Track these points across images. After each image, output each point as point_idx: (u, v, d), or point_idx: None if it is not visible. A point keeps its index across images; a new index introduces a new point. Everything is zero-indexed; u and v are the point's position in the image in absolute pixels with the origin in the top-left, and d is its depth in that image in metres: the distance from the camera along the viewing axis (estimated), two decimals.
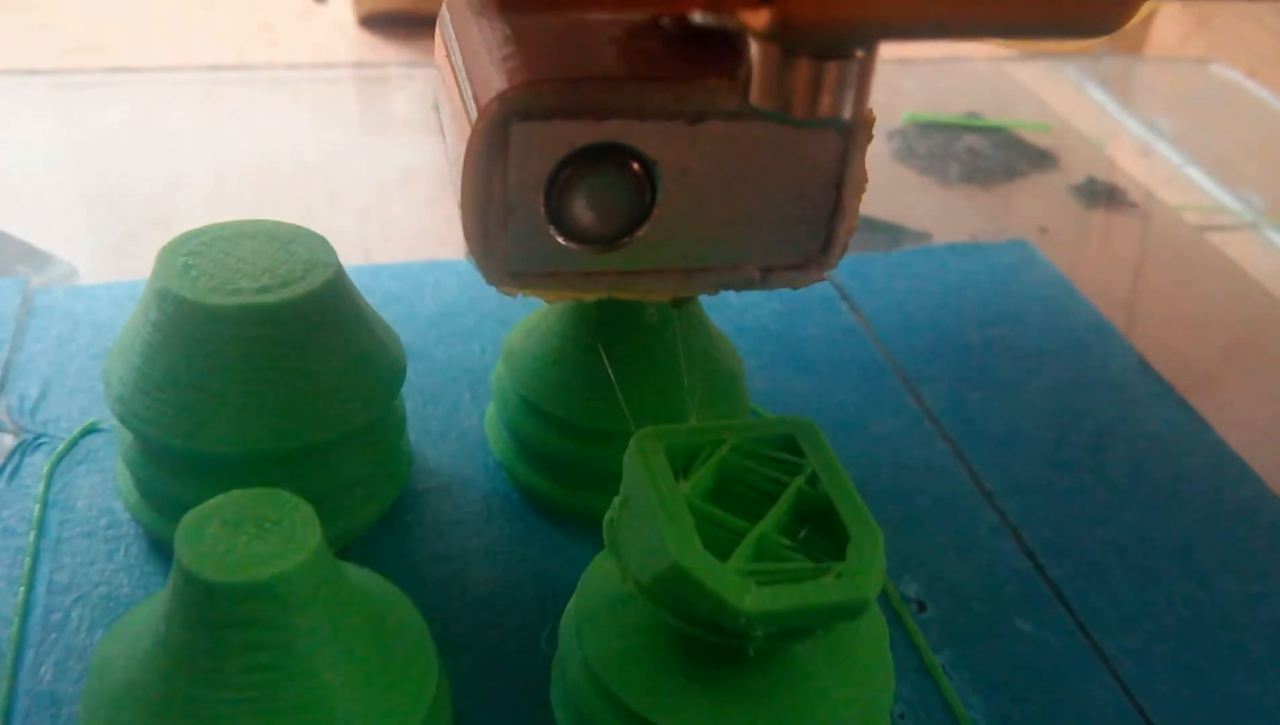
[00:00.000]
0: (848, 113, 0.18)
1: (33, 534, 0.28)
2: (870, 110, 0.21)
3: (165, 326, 0.25)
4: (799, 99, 0.18)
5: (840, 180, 0.22)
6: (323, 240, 0.27)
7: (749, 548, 0.21)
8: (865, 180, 0.22)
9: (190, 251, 0.26)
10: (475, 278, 0.39)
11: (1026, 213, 0.46)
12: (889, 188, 0.46)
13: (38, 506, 0.28)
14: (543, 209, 0.21)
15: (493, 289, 0.38)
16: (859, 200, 0.22)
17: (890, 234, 0.43)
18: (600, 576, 0.24)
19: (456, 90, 0.22)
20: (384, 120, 0.51)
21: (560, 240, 0.21)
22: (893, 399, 0.34)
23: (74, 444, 0.30)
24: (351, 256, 0.28)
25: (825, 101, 0.18)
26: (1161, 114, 0.54)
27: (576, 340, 0.28)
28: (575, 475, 0.29)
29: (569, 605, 0.24)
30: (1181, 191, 0.48)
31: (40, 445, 0.30)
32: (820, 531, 0.21)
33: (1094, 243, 0.45)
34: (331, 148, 0.47)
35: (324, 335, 0.26)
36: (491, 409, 0.31)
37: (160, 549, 0.28)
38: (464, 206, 0.21)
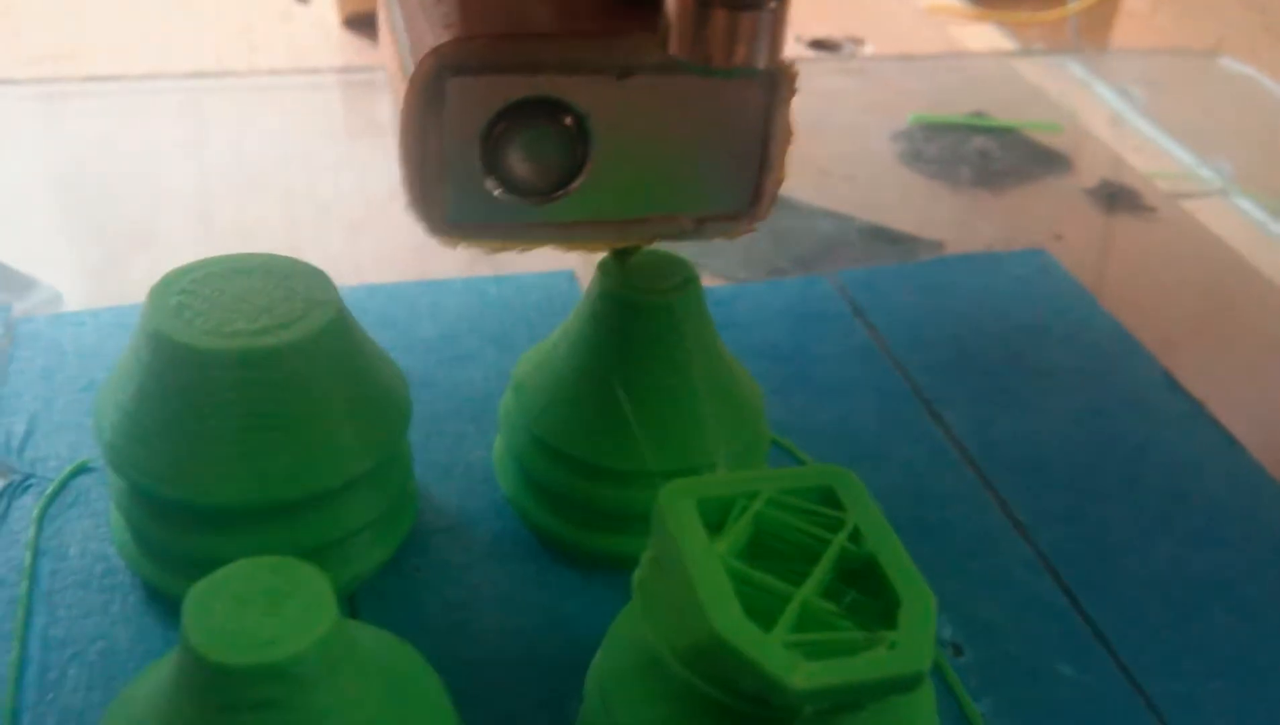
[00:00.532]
0: (763, 61, 0.20)
1: (25, 584, 0.26)
2: (793, 65, 0.22)
3: (158, 370, 0.24)
4: (717, 48, 0.19)
5: (766, 134, 0.23)
6: (322, 275, 0.26)
7: (793, 616, 0.19)
8: (791, 134, 0.23)
9: (183, 290, 0.25)
10: (476, 297, 0.38)
11: (1041, 218, 0.45)
12: (899, 193, 0.45)
13: (29, 554, 0.27)
14: (480, 162, 0.22)
15: (495, 311, 0.37)
16: (785, 153, 0.23)
17: (903, 244, 0.42)
18: (627, 635, 0.23)
19: (395, 52, 0.23)
20: (372, 126, 0.49)
21: (497, 193, 0.22)
22: (913, 423, 0.33)
23: (64, 485, 0.29)
24: (344, 276, 0.27)
25: (741, 51, 0.19)
26: (1171, 109, 0.53)
27: (590, 374, 0.27)
28: (591, 516, 0.28)
29: (594, 664, 0.23)
30: (1200, 194, 0.47)
31: (29, 487, 0.29)
32: (866, 592, 0.20)
33: (1111, 249, 0.44)
34: (320, 158, 0.46)
35: (326, 378, 0.25)
36: (499, 444, 0.30)
37: (158, 598, 0.26)
38: (403, 160, 0.21)
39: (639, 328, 0.26)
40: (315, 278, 0.26)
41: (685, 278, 0.26)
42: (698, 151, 0.23)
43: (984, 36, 0.60)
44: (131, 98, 0.48)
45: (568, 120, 0.22)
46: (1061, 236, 0.43)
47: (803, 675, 0.18)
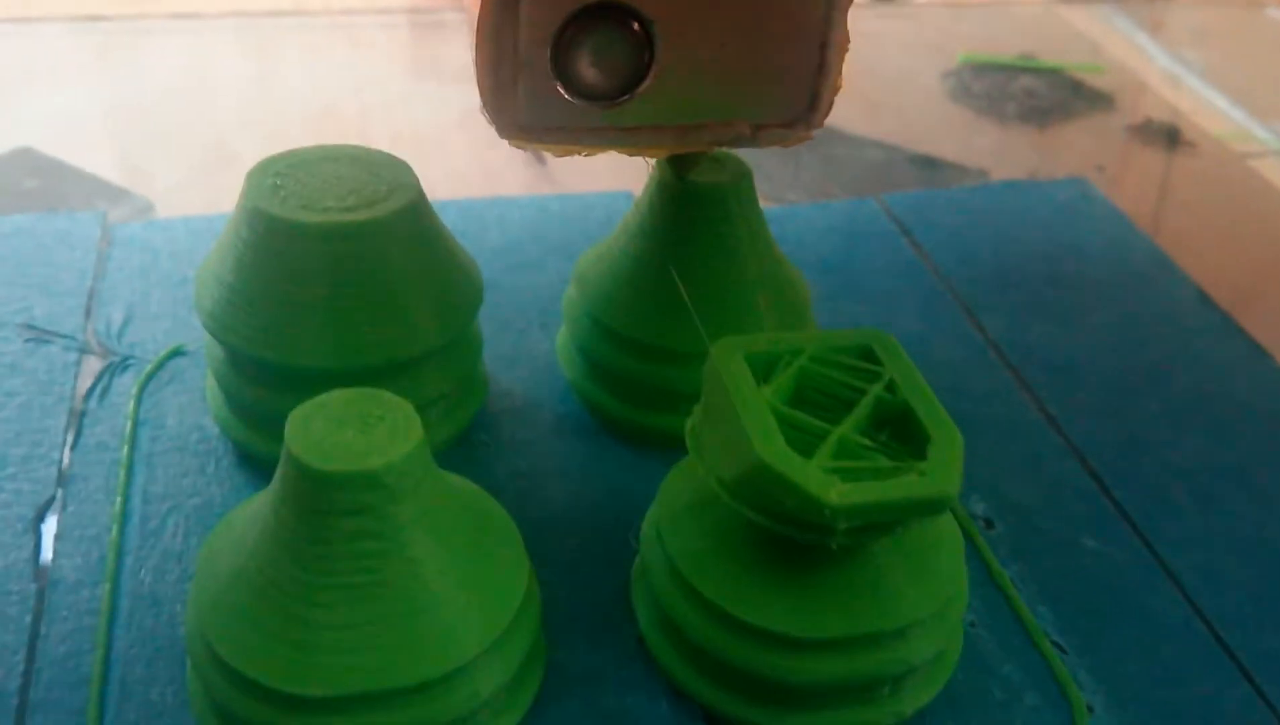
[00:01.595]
0: None
1: (126, 448, 0.29)
2: None
3: (256, 244, 0.26)
4: None
5: (824, 41, 0.24)
6: (404, 164, 0.28)
7: (831, 447, 0.21)
8: (848, 41, 0.24)
9: (278, 173, 0.27)
10: (539, 212, 0.40)
11: (1083, 152, 0.46)
12: (946, 126, 0.47)
13: (129, 423, 0.29)
14: (550, 66, 0.23)
15: (557, 225, 0.39)
16: (842, 60, 0.24)
17: (948, 171, 0.44)
18: (680, 483, 0.25)
19: None
20: (440, 66, 0.51)
21: (566, 96, 0.23)
22: (955, 328, 0.35)
23: (161, 365, 0.31)
24: None
25: None
26: (1215, 57, 0.54)
27: (648, 262, 0.29)
28: (647, 395, 0.30)
29: (650, 511, 0.25)
30: (1238, 133, 0.48)
31: (128, 367, 0.31)
32: (899, 436, 0.22)
33: (1152, 181, 0.45)
34: (391, 92, 0.48)
35: (408, 254, 0.27)
36: (563, 333, 0.32)
37: (250, 462, 0.28)
38: (479, 63, 0.22)
39: (695, 215, 0.28)
40: (398, 165, 0.28)
41: (740, 170, 0.28)
42: (759, 59, 0.23)
43: None
44: (213, 34, 0.50)
45: (635, 26, 0.23)
46: (1103, 168, 0.45)
47: (838, 493, 0.20)
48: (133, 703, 0.23)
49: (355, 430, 0.21)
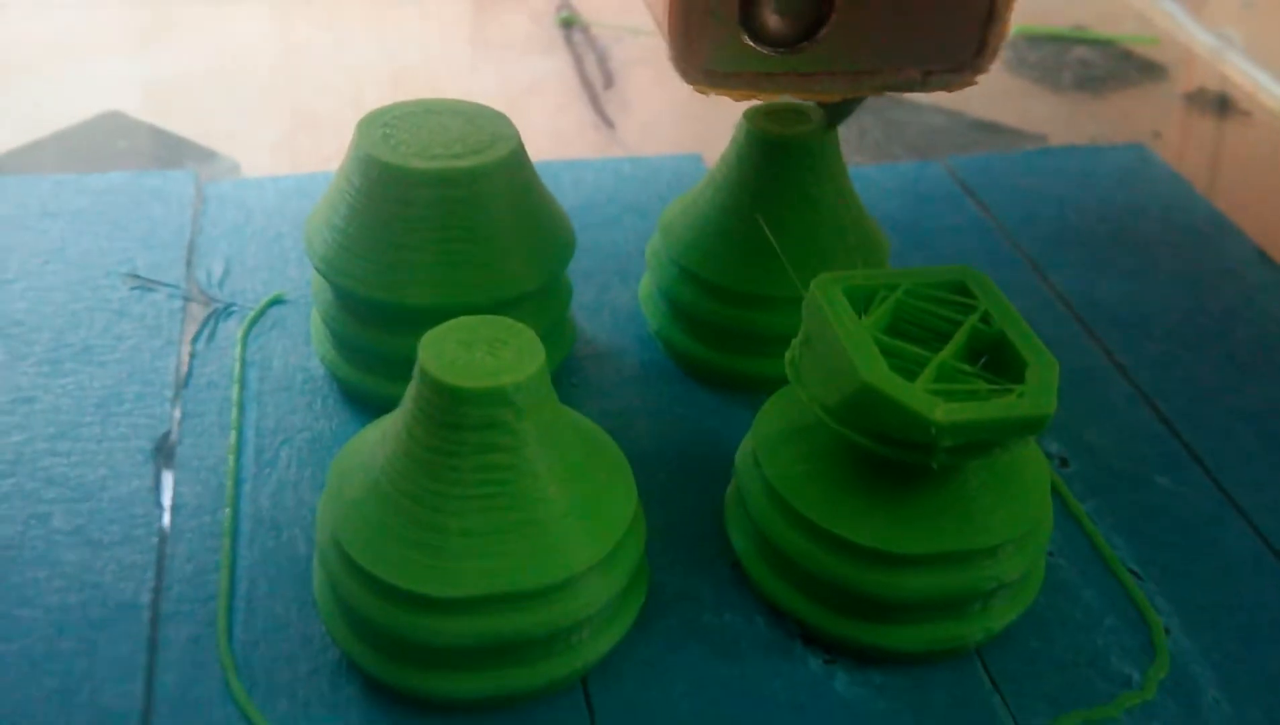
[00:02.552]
0: None
1: (236, 388, 0.30)
2: None
3: (368, 190, 0.28)
4: None
5: None
6: (503, 116, 0.29)
7: (932, 371, 0.22)
8: None
9: (386, 124, 0.28)
10: (613, 175, 0.41)
11: (1139, 119, 0.47)
12: (1004, 94, 0.48)
13: (237, 364, 0.31)
14: (738, 14, 0.24)
15: (631, 186, 0.40)
16: (1010, 7, 0.25)
17: (1008, 136, 0.45)
18: (775, 414, 0.26)
19: None
20: (507, 35, 0.52)
21: (750, 43, 0.24)
22: (1024, 283, 0.36)
23: (263, 312, 0.33)
24: None
25: None
26: (1256, 33, 0.54)
27: (735, 211, 0.30)
28: (732, 340, 0.31)
29: (744, 441, 0.26)
30: None
31: (231, 313, 0.33)
32: (995, 365, 0.23)
33: (1207, 147, 0.46)
34: (460, 60, 0.49)
35: (510, 201, 0.28)
36: (646, 283, 0.33)
37: (355, 401, 0.30)
38: (670, 10, 0.24)
39: (781, 165, 0.29)
40: (498, 117, 0.29)
41: (824, 124, 0.30)
42: (931, 7, 0.24)
43: None
44: (286, 3, 0.52)
45: None
46: (1160, 134, 0.46)
47: (943, 411, 0.21)
48: (258, 615, 0.25)
49: (484, 352, 0.22)
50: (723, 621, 0.25)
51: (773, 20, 0.24)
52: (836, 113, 0.29)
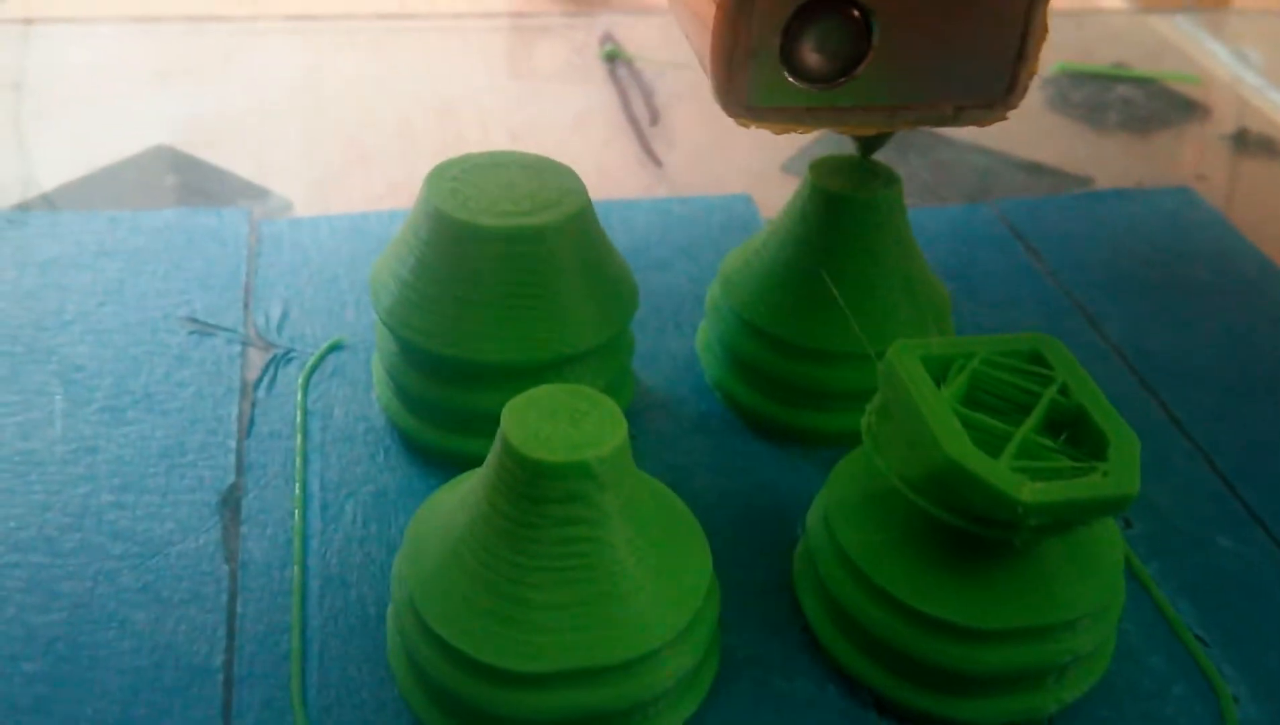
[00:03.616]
0: None
1: (299, 437, 0.30)
2: None
3: (436, 244, 0.28)
4: None
5: (1026, 29, 0.25)
6: (570, 170, 0.29)
7: (1015, 447, 0.22)
8: (1046, 30, 0.25)
9: (454, 177, 0.28)
10: (662, 215, 0.41)
11: (1183, 160, 0.47)
12: (1048, 135, 0.48)
13: (299, 413, 0.31)
14: (778, 51, 0.24)
15: (681, 227, 0.40)
16: (1040, 47, 0.25)
17: (1053, 177, 0.45)
18: (849, 476, 0.26)
19: None
20: (551, 68, 0.52)
21: (790, 79, 0.25)
22: (1076, 332, 0.36)
23: (322, 358, 0.33)
24: None
25: None
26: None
27: (798, 265, 0.30)
28: (795, 395, 0.31)
29: (815, 503, 0.26)
30: None
31: (290, 359, 0.33)
32: (1074, 439, 0.23)
33: (1251, 190, 0.46)
34: (505, 94, 0.49)
35: (577, 257, 0.28)
36: (704, 332, 0.33)
37: (417, 452, 0.30)
38: (714, 49, 0.24)
39: (847, 221, 0.29)
40: (565, 171, 0.29)
41: (889, 178, 0.30)
42: (964, 45, 0.25)
43: None
44: (328, 36, 0.52)
45: (855, 14, 0.24)
46: (1204, 177, 0.46)
47: (1029, 492, 0.21)
48: (332, 677, 0.25)
49: (567, 423, 0.22)
50: (794, 687, 0.25)
51: (812, 57, 0.24)
52: (870, 145, 0.30)
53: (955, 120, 0.26)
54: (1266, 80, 0.53)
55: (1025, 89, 0.26)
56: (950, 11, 0.25)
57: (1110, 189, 0.43)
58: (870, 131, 0.27)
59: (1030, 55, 0.25)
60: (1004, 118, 0.26)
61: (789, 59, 0.24)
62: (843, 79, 0.25)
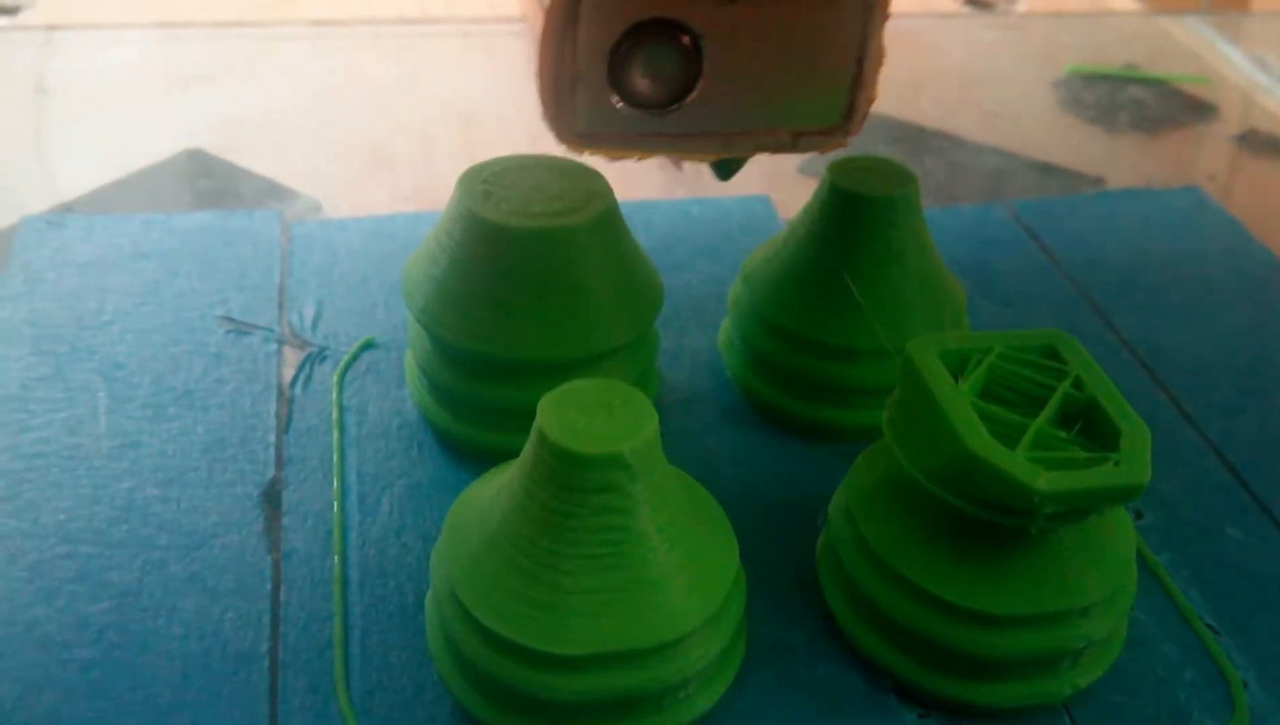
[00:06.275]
0: None
1: (335, 433, 0.31)
2: None
3: (469, 245, 0.29)
4: None
5: (862, 55, 0.25)
6: (597, 172, 0.30)
7: (1030, 438, 0.23)
8: (883, 55, 0.25)
9: (486, 180, 0.29)
10: (681, 216, 0.42)
11: (1193, 160, 0.48)
12: (1061, 135, 0.48)
13: (335, 410, 0.32)
14: (607, 77, 0.24)
15: (699, 228, 0.41)
16: (878, 73, 0.25)
17: (1065, 177, 0.46)
18: (869, 468, 0.27)
19: None
20: None
21: (620, 105, 0.25)
22: (1089, 329, 0.37)
23: (356, 356, 0.34)
24: None
25: None
26: None
27: (818, 263, 0.31)
28: (816, 391, 0.32)
29: (836, 495, 0.27)
30: None
31: (325, 357, 0.34)
32: (1087, 431, 0.24)
33: (1260, 189, 0.47)
34: (526, 98, 0.50)
35: (606, 256, 0.29)
36: (726, 329, 0.34)
37: (449, 447, 0.31)
38: (540, 74, 0.24)
39: (865, 220, 0.30)
40: (591, 173, 0.30)
41: (906, 178, 0.30)
42: (799, 72, 0.25)
43: None
44: (350, 40, 0.53)
45: (685, 40, 0.24)
46: (1214, 177, 0.47)
47: (1045, 480, 0.22)
48: (373, 663, 0.26)
49: (601, 417, 0.23)
50: (817, 674, 0.26)
51: (642, 83, 0.24)
52: (725, 169, 0.29)
53: (794, 146, 0.26)
54: (1277, 81, 0.54)
55: (865, 115, 0.26)
56: (783, 37, 0.25)
57: (1122, 189, 0.44)
58: (710, 158, 0.27)
59: (868, 81, 0.25)
60: (844, 144, 0.26)
61: (619, 84, 0.24)
62: (675, 105, 0.25)
